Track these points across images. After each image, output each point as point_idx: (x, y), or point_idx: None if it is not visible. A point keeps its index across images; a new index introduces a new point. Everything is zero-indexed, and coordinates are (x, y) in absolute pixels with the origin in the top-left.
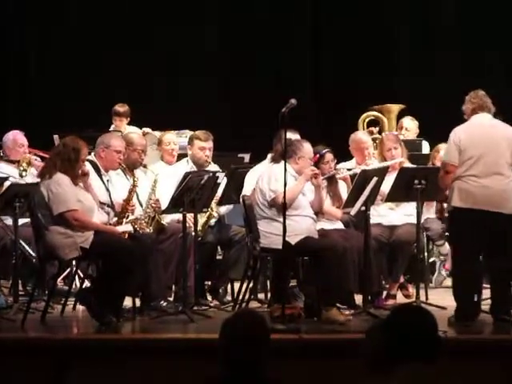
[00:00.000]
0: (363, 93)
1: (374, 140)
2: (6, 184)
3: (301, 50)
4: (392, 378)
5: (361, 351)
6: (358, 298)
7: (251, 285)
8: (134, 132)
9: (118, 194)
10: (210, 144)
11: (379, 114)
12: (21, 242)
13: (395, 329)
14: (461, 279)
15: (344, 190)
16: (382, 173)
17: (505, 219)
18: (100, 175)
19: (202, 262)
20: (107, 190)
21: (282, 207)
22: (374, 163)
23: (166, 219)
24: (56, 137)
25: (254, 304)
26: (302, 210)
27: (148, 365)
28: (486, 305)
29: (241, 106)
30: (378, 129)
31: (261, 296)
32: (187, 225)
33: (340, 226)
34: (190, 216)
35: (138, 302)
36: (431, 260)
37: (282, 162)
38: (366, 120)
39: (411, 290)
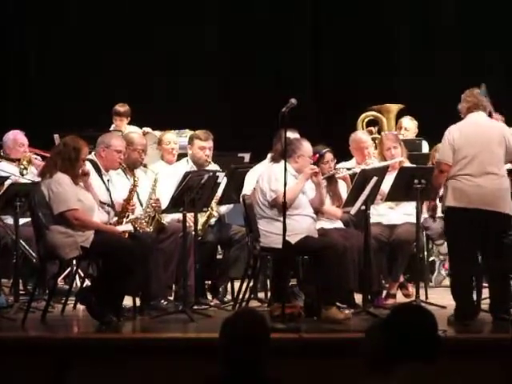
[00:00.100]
0: (363, 93)
1: (373, 140)
2: (7, 183)
3: (301, 50)
4: (392, 377)
5: (360, 350)
6: (358, 298)
7: (251, 284)
8: (135, 132)
9: (119, 193)
10: (210, 144)
11: (378, 114)
12: (21, 241)
13: (395, 328)
14: (458, 279)
15: (344, 190)
16: (381, 172)
17: (500, 218)
18: (100, 175)
19: (202, 261)
20: (107, 189)
21: (283, 207)
22: (373, 163)
23: (167, 219)
24: (56, 136)
25: (254, 303)
26: (302, 209)
27: (148, 364)
28: (485, 304)
29: (241, 105)
30: (376, 128)
31: (261, 295)
32: (187, 224)
33: (340, 225)
34: (190, 215)
35: (138, 302)
36: (431, 259)
37: (282, 161)
38: (365, 120)
39: (411, 289)
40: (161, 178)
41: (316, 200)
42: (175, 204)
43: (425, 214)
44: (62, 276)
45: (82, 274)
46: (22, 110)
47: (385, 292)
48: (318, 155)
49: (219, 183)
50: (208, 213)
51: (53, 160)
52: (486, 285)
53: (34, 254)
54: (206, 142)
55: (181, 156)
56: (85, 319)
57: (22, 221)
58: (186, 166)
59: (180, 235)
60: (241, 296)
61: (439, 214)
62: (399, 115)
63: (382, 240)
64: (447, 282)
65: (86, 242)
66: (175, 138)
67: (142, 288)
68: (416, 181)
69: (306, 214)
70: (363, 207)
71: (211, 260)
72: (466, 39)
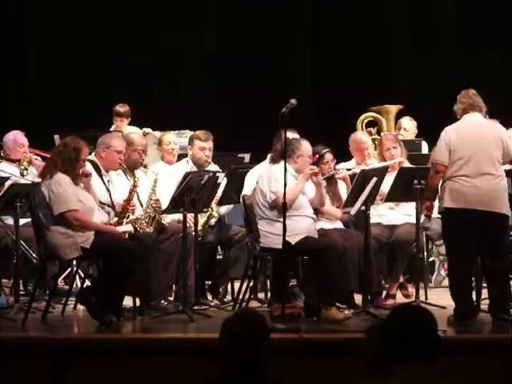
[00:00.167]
0: (363, 93)
1: (373, 141)
2: (7, 184)
3: (301, 50)
4: (392, 377)
5: (360, 351)
6: (358, 298)
7: (251, 284)
8: (135, 132)
9: (119, 194)
10: (210, 144)
11: (377, 115)
12: (21, 242)
13: (395, 328)
14: (456, 279)
15: (344, 190)
16: (381, 173)
17: (497, 218)
18: (101, 175)
19: (202, 261)
20: (108, 190)
21: (283, 208)
22: (373, 163)
23: (167, 219)
24: (57, 137)
25: (254, 303)
26: (302, 210)
27: (148, 364)
28: (485, 304)
29: (241, 106)
30: (376, 129)
31: (261, 295)
32: (187, 225)
33: (340, 225)
34: (190, 216)
35: (138, 302)
36: (430, 260)
37: (282, 162)
38: (365, 121)
39: (411, 289)
40: (161, 179)
41: (316, 200)
42: (175, 204)
43: None
44: (63, 276)
45: (82, 275)
46: (22, 110)
47: (385, 292)
48: (317, 155)
49: (219, 184)
50: (208, 213)
51: (53, 160)
52: (485, 285)
53: (34, 255)
54: (206, 143)
55: (181, 156)
56: (85, 319)
57: (22, 221)
58: (186, 166)
59: (180, 236)
60: (241, 296)
61: (436, 214)
62: (398, 116)
63: (381, 240)
64: (447, 282)
65: (86, 242)
66: (175, 139)
67: (142, 288)
68: (416, 181)
69: (306, 214)
70: (363, 208)
71: (211, 260)
72: (466, 39)
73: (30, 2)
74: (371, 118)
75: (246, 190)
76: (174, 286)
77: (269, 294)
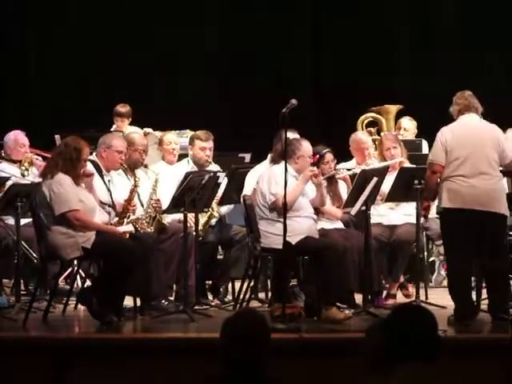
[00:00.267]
0: (363, 93)
1: (373, 141)
2: (8, 184)
3: (301, 50)
4: (392, 377)
5: (361, 350)
6: (358, 298)
7: (252, 284)
8: (135, 132)
9: (120, 194)
10: (210, 144)
11: (377, 116)
12: (22, 242)
13: (395, 328)
14: (455, 279)
15: (344, 190)
16: (382, 173)
17: (495, 218)
18: (101, 175)
19: (202, 261)
20: (108, 190)
21: (282, 211)
22: (373, 163)
23: (167, 219)
24: (57, 137)
25: (254, 303)
26: (302, 211)
27: (148, 364)
28: (485, 304)
29: (241, 106)
30: (376, 129)
31: (261, 295)
32: (188, 225)
33: (340, 225)
34: (190, 216)
35: (138, 302)
36: (431, 259)
37: (282, 162)
38: (365, 121)
39: (411, 289)
40: (161, 179)
41: (317, 200)
42: (176, 204)
43: None
44: (63, 276)
45: (83, 275)
46: (22, 110)
47: (385, 292)
48: (318, 155)
49: (220, 183)
50: (209, 213)
51: (54, 160)
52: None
53: (35, 255)
54: (207, 143)
55: (182, 156)
56: (86, 319)
57: (23, 221)
58: (187, 166)
59: (181, 235)
60: (241, 296)
61: (434, 215)
62: (398, 116)
63: (382, 240)
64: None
65: (87, 242)
66: (176, 139)
67: (142, 288)
68: (416, 181)
69: (307, 215)
70: (363, 208)
71: (212, 260)
72: (466, 39)
73: (30, 2)
74: (371, 119)
75: (247, 189)
76: (174, 286)
77: (269, 294)
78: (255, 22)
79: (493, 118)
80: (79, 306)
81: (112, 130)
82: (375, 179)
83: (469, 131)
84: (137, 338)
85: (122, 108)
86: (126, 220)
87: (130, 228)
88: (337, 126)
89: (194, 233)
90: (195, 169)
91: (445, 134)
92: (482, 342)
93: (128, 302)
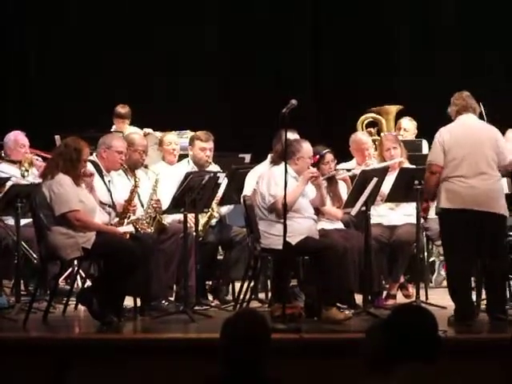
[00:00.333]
0: (363, 93)
1: (373, 141)
2: (8, 184)
3: (301, 50)
4: (391, 377)
5: (361, 351)
6: (358, 298)
7: (252, 284)
8: (136, 132)
9: (120, 194)
10: (210, 144)
11: (377, 116)
12: (22, 242)
13: (395, 328)
14: (455, 280)
15: (344, 191)
16: (382, 173)
17: (495, 219)
18: (101, 176)
19: (202, 261)
20: (108, 190)
21: (281, 212)
22: (373, 164)
23: (167, 219)
24: (57, 137)
25: (254, 304)
26: (302, 212)
27: (148, 364)
28: (485, 305)
29: (241, 106)
30: (376, 129)
31: (261, 296)
32: (188, 225)
33: (340, 226)
34: (191, 216)
35: (139, 302)
36: (431, 260)
37: (282, 163)
38: (365, 122)
39: (411, 289)
40: (162, 179)
41: (317, 200)
42: (176, 205)
43: None
44: (63, 277)
45: (84, 275)
46: (22, 110)
47: (385, 292)
48: (318, 156)
49: (220, 184)
50: (209, 213)
51: (54, 161)
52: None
53: (35, 255)
54: (207, 143)
55: (182, 157)
56: (86, 320)
57: (23, 222)
58: (187, 166)
59: (181, 236)
60: (241, 296)
61: (433, 215)
62: (398, 116)
63: (382, 241)
64: None
65: (87, 242)
66: (176, 139)
67: (142, 288)
68: (416, 182)
69: (307, 216)
70: (363, 208)
71: (212, 261)
72: (466, 39)
73: (30, 2)
74: (371, 119)
75: (247, 190)
76: (174, 287)
77: (269, 295)
78: (255, 21)
79: (492, 118)
80: (79, 306)
81: (112, 130)
82: (375, 179)
83: (467, 131)
84: (137, 338)
85: (122, 109)
86: (126, 220)
87: (130, 228)
88: (337, 126)
89: (194, 233)
90: (195, 169)
91: (443, 134)
92: (482, 342)
93: (128, 302)
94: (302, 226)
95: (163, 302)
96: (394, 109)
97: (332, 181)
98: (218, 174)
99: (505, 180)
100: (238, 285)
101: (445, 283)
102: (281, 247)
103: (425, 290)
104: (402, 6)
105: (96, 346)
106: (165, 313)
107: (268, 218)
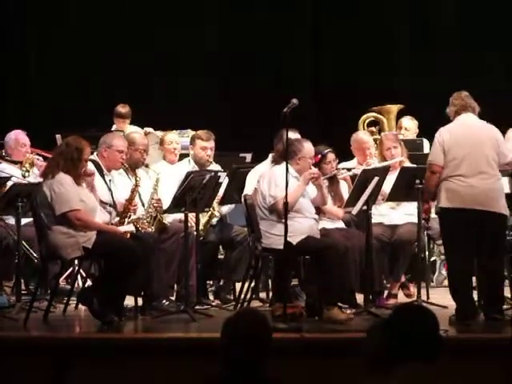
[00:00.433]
0: (363, 93)
1: (374, 141)
2: (9, 184)
3: (301, 50)
4: (392, 377)
5: (362, 350)
6: (360, 298)
7: (253, 284)
8: (136, 132)
9: (121, 193)
10: (211, 144)
11: (379, 115)
12: (23, 242)
13: (396, 328)
14: (456, 279)
15: (345, 190)
16: (383, 172)
17: (495, 218)
18: (102, 175)
19: (203, 261)
20: (109, 189)
21: (281, 213)
22: (374, 163)
23: (168, 219)
24: (58, 136)
25: (255, 303)
26: (303, 212)
27: (148, 364)
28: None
29: (241, 105)
30: (377, 128)
31: (262, 295)
32: (189, 224)
33: (341, 225)
34: (191, 215)
35: (139, 302)
36: (432, 259)
37: (283, 163)
38: (366, 121)
39: (412, 289)
40: (163, 178)
41: (318, 200)
42: (177, 204)
43: None
44: (64, 276)
45: (84, 274)
46: (22, 110)
47: (386, 292)
48: (319, 155)
49: (221, 183)
50: (210, 213)
51: (55, 160)
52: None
53: (35, 255)
54: (208, 142)
55: (183, 156)
56: (86, 319)
57: (23, 221)
58: (188, 166)
59: (182, 235)
60: (242, 296)
61: (433, 215)
62: (399, 115)
63: (383, 240)
64: None
65: (87, 242)
66: (177, 138)
67: (143, 288)
68: (417, 181)
69: (307, 216)
70: (365, 207)
71: (213, 260)
72: (466, 39)
73: (30, 2)
74: (372, 118)
75: (248, 189)
76: (175, 286)
77: (270, 294)
78: (255, 21)
79: (492, 118)
80: (80, 305)
81: (112, 129)
82: (376, 179)
83: (467, 131)
84: (137, 337)
85: (122, 109)
86: (126, 220)
87: (130, 228)
88: (337, 126)
89: (195, 232)
90: (196, 168)
91: (443, 134)
92: (483, 342)
93: (129, 301)
94: (303, 226)
95: (164, 301)
96: (394, 108)
97: (333, 180)
98: (219, 174)
99: (505, 179)
100: (238, 284)
101: (446, 282)
102: (282, 247)
103: (426, 290)
104: (402, 6)
105: (96, 345)
106: (165, 312)
107: (269, 218)
